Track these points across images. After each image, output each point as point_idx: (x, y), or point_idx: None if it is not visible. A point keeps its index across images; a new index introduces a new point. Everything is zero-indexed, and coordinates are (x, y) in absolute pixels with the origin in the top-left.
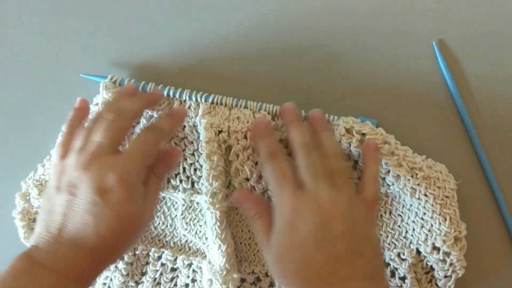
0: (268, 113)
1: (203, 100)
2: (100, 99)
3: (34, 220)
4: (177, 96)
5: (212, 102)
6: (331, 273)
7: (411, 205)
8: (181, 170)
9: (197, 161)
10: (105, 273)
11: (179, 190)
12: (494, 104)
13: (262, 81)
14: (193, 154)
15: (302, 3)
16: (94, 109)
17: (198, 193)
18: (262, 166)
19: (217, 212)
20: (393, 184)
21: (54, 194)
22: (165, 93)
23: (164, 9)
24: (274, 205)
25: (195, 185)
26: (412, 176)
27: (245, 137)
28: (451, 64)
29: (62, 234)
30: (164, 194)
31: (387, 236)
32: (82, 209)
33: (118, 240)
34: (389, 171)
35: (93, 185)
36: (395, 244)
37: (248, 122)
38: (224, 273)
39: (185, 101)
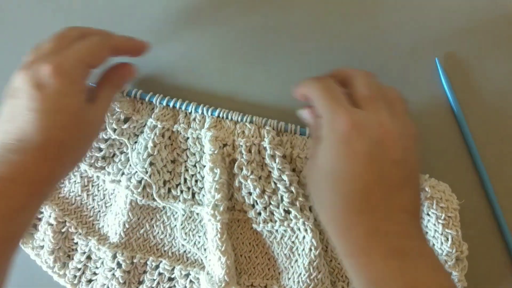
0: (273, 129)
1: (209, 114)
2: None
3: (33, 225)
4: (183, 108)
5: (218, 116)
6: (374, 196)
7: None
8: (182, 181)
9: (199, 172)
10: (102, 281)
11: (179, 201)
12: (496, 120)
13: (267, 96)
14: (194, 166)
15: (299, 20)
16: None
17: (198, 204)
18: (309, 88)
19: (218, 224)
20: None
21: (4, 105)
22: (171, 104)
23: (171, 22)
24: (324, 122)
25: (196, 196)
26: None
27: (250, 151)
28: (453, 80)
29: (7, 140)
30: (164, 204)
31: None
32: (23, 108)
33: (63, 135)
34: None
35: (30, 81)
36: None
37: (253, 137)
38: (223, 285)
39: (190, 113)
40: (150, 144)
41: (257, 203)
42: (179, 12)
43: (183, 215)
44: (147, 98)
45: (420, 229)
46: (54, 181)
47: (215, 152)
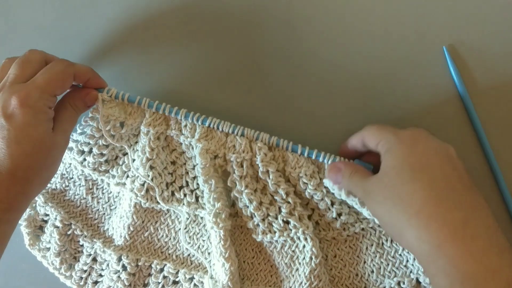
0: (265, 144)
1: (199, 123)
2: (100, 117)
3: (39, 227)
4: (172, 114)
5: (209, 126)
6: (457, 187)
7: None
8: (184, 183)
9: (199, 175)
10: (107, 283)
11: (183, 204)
12: (505, 109)
13: (260, 107)
14: (193, 168)
15: (311, 20)
16: (92, 124)
17: (202, 207)
18: (360, 133)
19: (221, 231)
20: None
21: None
22: (161, 110)
23: (163, 36)
24: (387, 141)
25: (200, 199)
26: None
27: (241, 166)
28: (461, 69)
29: None
30: (168, 207)
31: (388, 264)
32: None
33: (30, 161)
34: None
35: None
36: (395, 272)
37: (244, 152)
38: None
39: (181, 119)
40: (147, 149)
41: (254, 216)
42: (172, 25)
43: (187, 218)
44: (135, 102)
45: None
46: (27, 198)
47: (207, 165)
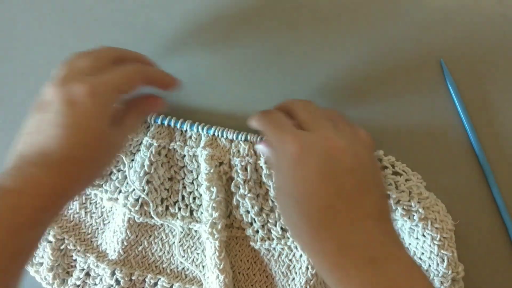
0: None
1: (204, 132)
2: None
3: None
4: (178, 126)
5: (214, 134)
6: (336, 209)
7: (409, 244)
8: (179, 198)
9: (196, 189)
10: None
11: (177, 218)
12: (501, 121)
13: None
14: (192, 183)
15: (305, 39)
16: None
17: (196, 221)
18: (258, 122)
19: (216, 242)
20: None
21: (30, 117)
22: (166, 123)
23: (170, 41)
24: (274, 151)
25: (194, 213)
26: (409, 218)
27: (245, 169)
28: (458, 82)
29: (29, 152)
30: (162, 222)
31: None
32: (50, 123)
33: (83, 154)
34: None
35: (62, 97)
36: None
37: (248, 155)
38: None
39: (186, 131)
40: (147, 162)
41: (255, 221)
42: (177, 32)
43: (181, 232)
44: None
45: (389, 233)
46: (67, 198)
47: (211, 171)
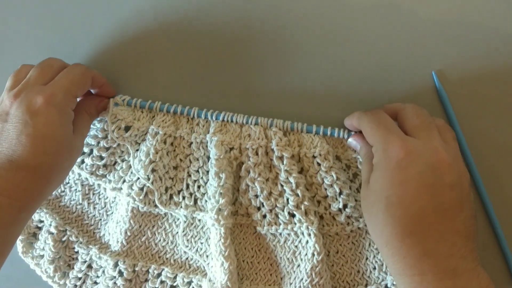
0: (280, 129)
1: (214, 118)
2: (109, 116)
3: (33, 234)
4: (184, 113)
5: (223, 120)
6: (428, 221)
7: None
8: (184, 187)
9: (201, 178)
10: None
11: (181, 207)
12: (493, 133)
13: (270, 96)
14: (197, 171)
15: (309, 30)
16: (98, 125)
17: (200, 210)
18: (361, 120)
19: (222, 228)
20: None
21: None
22: (172, 110)
23: (166, 32)
24: (376, 151)
25: (198, 202)
26: None
27: (256, 153)
28: (450, 94)
29: (1, 159)
30: (166, 210)
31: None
32: (15, 131)
33: (52, 159)
34: None
35: (23, 108)
36: None
37: (259, 139)
38: None
39: (193, 118)
40: (152, 151)
41: (263, 205)
42: (180, 13)
43: (185, 221)
44: (146, 106)
45: (473, 251)
46: (41, 199)
47: (221, 156)
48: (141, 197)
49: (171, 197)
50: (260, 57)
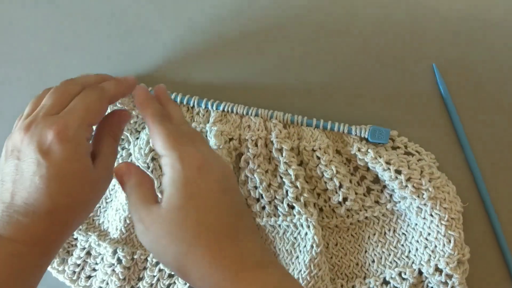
0: (280, 121)
1: (214, 108)
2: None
3: None
4: (184, 102)
5: (223, 110)
6: (232, 224)
7: (416, 224)
8: None
9: None
10: (101, 277)
11: None
12: (492, 125)
13: (268, 89)
14: None
15: (308, 27)
16: None
17: None
18: (150, 129)
19: None
20: (399, 201)
21: (2, 164)
22: (172, 97)
23: (166, 19)
24: (166, 166)
25: None
26: (418, 196)
27: (256, 145)
28: (450, 86)
29: (14, 201)
30: None
31: (389, 254)
32: (29, 172)
33: (70, 200)
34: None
35: (34, 145)
36: (396, 263)
37: (259, 130)
38: None
39: (193, 107)
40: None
41: (262, 197)
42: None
43: None
44: None
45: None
46: (62, 241)
47: (221, 147)
48: None
49: None
50: (262, 49)
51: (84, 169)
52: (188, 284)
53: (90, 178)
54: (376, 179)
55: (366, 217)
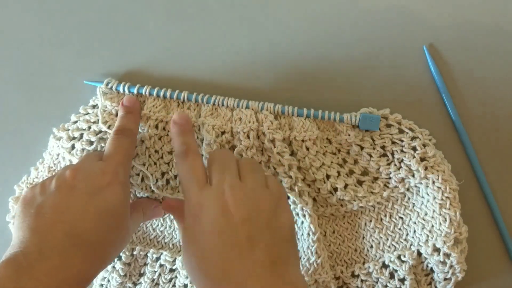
0: (271, 113)
1: (204, 102)
2: (99, 104)
3: None
4: (174, 97)
5: (214, 104)
6: (231, 263)
7: (413, 204)
8: None
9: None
10: (102, 274)
11: (178, 191)
12: (484, 107)
13: (260, 80)
14: None
15: (298, 14)
16: (90, 111)
17: None
18: (176, 163)
19: None
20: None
21: (39, 195)
22: (162, 95)
23: (156, 15)
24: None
25: None
26: (413, 176)
27: (248, 137)
28: (442, 68)
29: (55, 233)
30: (163, 195)
31: (387, 239)
32: (80, 204)
33: (114, 237)
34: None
35: (90, 181)
36: (395, 246)
37: (250, 122)
38: None
39: (183, 102)
40: (145, 136)
41: None
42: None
43: None
44: (135, 91)
45: (282, 276)
46: (91, 279)
47: (212, 141)
48: (138, 182)
49: (167, 182)
50: (251, 40)
51: (127, 212)
52: (189, 278)
53: (128, 222)
54: (365, 172)
55: (361, 206)
